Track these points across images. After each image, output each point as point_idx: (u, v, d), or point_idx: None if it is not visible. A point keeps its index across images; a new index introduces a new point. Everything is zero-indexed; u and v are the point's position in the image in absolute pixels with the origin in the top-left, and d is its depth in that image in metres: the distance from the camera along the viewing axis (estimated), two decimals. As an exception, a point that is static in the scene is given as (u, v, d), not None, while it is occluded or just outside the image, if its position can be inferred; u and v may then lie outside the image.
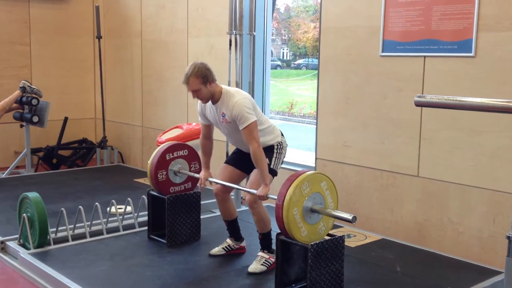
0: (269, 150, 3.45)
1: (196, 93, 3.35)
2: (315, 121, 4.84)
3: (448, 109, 3.61)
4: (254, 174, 3.41)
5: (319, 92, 4.71)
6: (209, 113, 3.51)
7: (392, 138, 4.22)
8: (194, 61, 3.42)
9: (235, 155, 3.68)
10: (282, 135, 3.58)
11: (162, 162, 3.82)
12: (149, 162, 3.85)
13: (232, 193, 4.87)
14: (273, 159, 3.45)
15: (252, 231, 3.82)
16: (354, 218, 2.87)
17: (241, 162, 3.59)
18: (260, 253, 3.48)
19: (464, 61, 3.77)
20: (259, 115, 3.43)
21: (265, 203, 3.56)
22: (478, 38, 3.69)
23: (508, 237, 2.71)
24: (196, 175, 3.82)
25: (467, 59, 3.75)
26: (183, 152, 3.92)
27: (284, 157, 3.56)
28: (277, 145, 3.50)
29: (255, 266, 3.42)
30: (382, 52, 4.20)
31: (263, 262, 3.43)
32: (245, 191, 3.47)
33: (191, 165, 3.95)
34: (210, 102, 3.43)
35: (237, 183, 3.61)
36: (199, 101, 3.52)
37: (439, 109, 3.76)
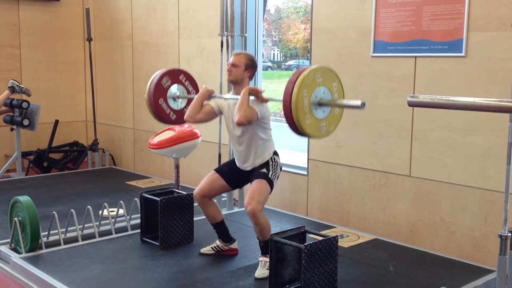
0: (266, 164, 3.48)
1: (233, 67, 3.49)
2: (307, 122, 4.83)
3: (440, 109, 3.64)
4: (253, 184, 3.40)
5: (310, 93, 4.71)
6: (226, 110, 3.57)
7: (384, 138, 4.23)
8: None
9: (227, 167, 3.69)
10: (277, 154, 3.58)
11: (160, 90, 3.78)
12: (146, 93, 3.81)
13: (224, 195, 4.88)
14: (271, 169, 3.45)
15: (246, 233, 3.82)
16: (363, 103, 2.86)
17: (230, 175, 3.61)
18: (263, 258, 3.45)
19: (454, 61, 3.79)
20: (268, 123, 3.51)
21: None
22: (468, 38, 3.71)
23: (500, 236, 2.73)
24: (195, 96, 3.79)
25: (458, 59, 3.77)
26: (179, 78, 3.89)
27: (279, 175, 3.54)
28: (273, 160, 3.51)
29: (262, 272, 3.39)
30: (373, 52, 4.21)
31: (268, 267, 3.40)
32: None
33: (189, 90, 3.93)
34: (228, 102, 3.52)
35: (217, 193, 3.70)
36: (218, 100, 3.61)
37: (430, 109, 3.78)
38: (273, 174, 3.46)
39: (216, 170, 3.68)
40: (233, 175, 3.61)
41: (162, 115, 3.82)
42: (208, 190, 3.60)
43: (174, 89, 3.87)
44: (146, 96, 3.83)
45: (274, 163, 3.51)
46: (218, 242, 3.74)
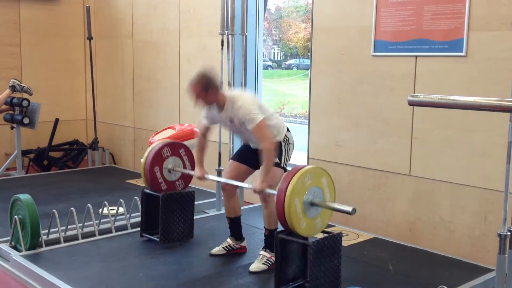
0: (277, 148, 3.45)
1: (197, 100, 3.41)
2: (307, 121, 4.84)
3: (439, 108, 3.64)
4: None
5: (311, 92, 4.72)
6: (218, 117, 3.53)
7: (384, 138, 4.24)
8: (202, 67, 3.45)
9: (241, 150, 3.69)
10: (288, 130, 3.57)
11: (158, 159, 3.82)
12: (143, 158, 3.85)
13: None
14: (282, 157, 3.47)
15: (245, 231, 3.82)
16: (354, 210, 2.91)
17: (247, 157, 3.60)
18: (262, 252, 3.48)
19: (455, 61, 3.79)
20: (266, 112, 3.44)
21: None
22: (469, 38, 3.71)
23: (500, 235, 2.73)
24: (191, 172, 3.85)
25: (458, 58, 3.77)
26: (179, 151, 3.93)
27: (292, 152, 3.57)
28: (284, 141, 3.51)
29: (257, 265, 3.42)
30: (374, 52, 4.21)
31: (265, 261, 3.42)
32: (241, 185, 3.54)
33: (185, 164, 3.96)
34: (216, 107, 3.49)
35: (244, 179, 3.64)
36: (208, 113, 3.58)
37: (430, 109, 3.78)
38: (285, 159, 3.48)
39: (232, 158, 3.70)
40: (250, 155, 3.57)
41: (154, 182, 3.85)
42: (233, 178, 3.59)
43: (172, 161, 3.91)
44: (143, 160, 3.87)
45: (286, 145, 3.49)
46: (229, 241, 3.73)
